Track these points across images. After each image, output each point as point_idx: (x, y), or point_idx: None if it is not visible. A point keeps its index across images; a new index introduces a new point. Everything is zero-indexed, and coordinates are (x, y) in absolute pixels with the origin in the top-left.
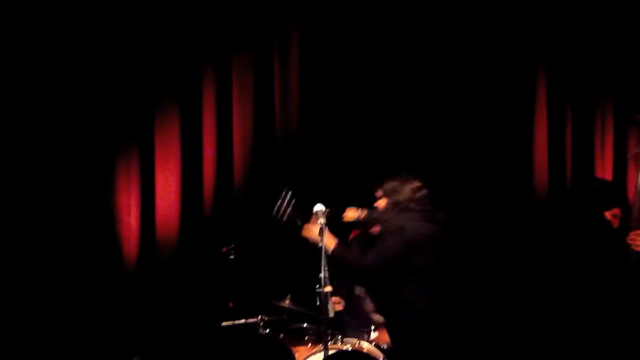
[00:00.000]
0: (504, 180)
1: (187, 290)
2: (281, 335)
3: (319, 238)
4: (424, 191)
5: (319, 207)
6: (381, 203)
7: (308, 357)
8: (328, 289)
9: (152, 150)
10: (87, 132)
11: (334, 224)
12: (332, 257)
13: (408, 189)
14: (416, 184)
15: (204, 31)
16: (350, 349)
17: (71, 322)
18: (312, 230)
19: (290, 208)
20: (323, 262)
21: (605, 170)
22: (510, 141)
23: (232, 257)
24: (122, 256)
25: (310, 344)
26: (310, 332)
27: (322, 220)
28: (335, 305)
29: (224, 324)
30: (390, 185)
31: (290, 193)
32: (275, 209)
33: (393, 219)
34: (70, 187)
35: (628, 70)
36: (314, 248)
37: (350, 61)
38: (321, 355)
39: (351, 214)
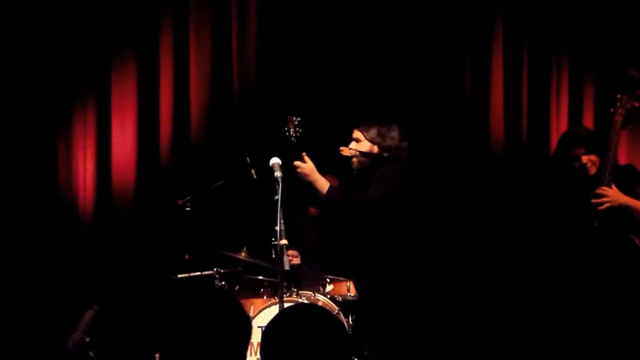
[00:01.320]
0: (461, 130)
1: (143, 242)
2: (236, 288)
3: (316, 177)
4: (407, 140)
5: (275, 160)
6: (361, 147)
7: (263, 309)
8: (284, 241)
9: (109, 101)
10: (42, 81)
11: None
12: (327, 199)
13: (396, 134)
14: (399, 131)
15: None
16: (305, 301)
17: (29, 274)
18: (309, 169)
19: (299, 130)
20: (279, 214)
21: (560, 124)
22: (468, 90)
23: (187, 209)
24: (78, 207)
25: (265, 297)
26: (266, 284)
27: (278, 174)
28: (292, 258)
29: (179, 276)
30: (375, 129)
31: (299, 119)
32: (286, 131)
33: (388, 166)
34: (26, 137)
35: (584, 23)
36: (313, 193)
37: (309, 12)
38: (276, 308)
39: (347, 152)
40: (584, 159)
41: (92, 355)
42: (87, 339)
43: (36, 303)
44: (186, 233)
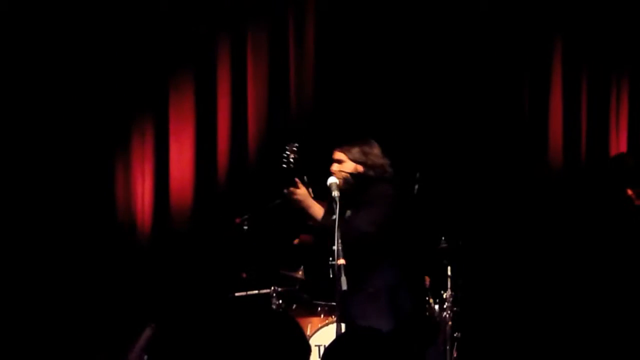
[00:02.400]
0: (520, 152)
1: (200, 261)
2: (294, 307)
3: (310, 203)
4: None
5: (332, 180)
6: (346, 168)
7: (320, 328)
8: (341, 261)
9: (167, 120)
10: (101, 101)
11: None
12: (322, 225)
13: (378, 151)
14: (378, 147)
15: (221, 1)
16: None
17: (88, 293)
18: (303, 194)
19: (296, 157)
20: (337, 234)
21: (619, 142)
22: (527, 113)
23: (245, 227)
24: (136, 226)
25: (322, 316)
26: (323, 304)
27: (335, 193)
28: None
29: (237, 294)
30: (357, 147)
31: (297, 145)
32: (284, 157)
33: (375, 185)
34: (85, 157)
35: None
36: (300, 213)
37: (366, 36)
38: (333, 327)
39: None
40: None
41: None
42: (145, 358)
43: (95, 322)
44: (244, 252)
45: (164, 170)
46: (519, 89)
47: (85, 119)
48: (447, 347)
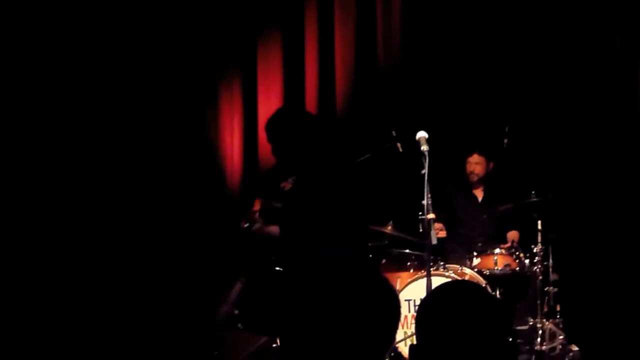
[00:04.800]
0: (611, 104)
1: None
2: (383, 261)
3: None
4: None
5: (421, 134)
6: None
7: (410, 283)
8: (431, 215)
9: (255, 77)
10: (190, 59)
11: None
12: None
13: (297, 122)
14: (307, 116)
15: None
16: (452, 275)
17: (179, 248)
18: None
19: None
20: (426, 188)
21: None
22: (618, 65)
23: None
24: (226, 182)
25: (412, 270)
26: (412, 258)
27: (424, 147)
28: (438, 232)
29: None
30: (272, 126)
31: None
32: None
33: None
34: (175, 113)
35: None
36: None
37: None
38: (423, 281)
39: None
40: None
41: (241, 327)
42: (236, 312)
43: (187, 277)
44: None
45: (252, 125)
46: (609, 39)
47: (175, 77)
48: (538, 301)
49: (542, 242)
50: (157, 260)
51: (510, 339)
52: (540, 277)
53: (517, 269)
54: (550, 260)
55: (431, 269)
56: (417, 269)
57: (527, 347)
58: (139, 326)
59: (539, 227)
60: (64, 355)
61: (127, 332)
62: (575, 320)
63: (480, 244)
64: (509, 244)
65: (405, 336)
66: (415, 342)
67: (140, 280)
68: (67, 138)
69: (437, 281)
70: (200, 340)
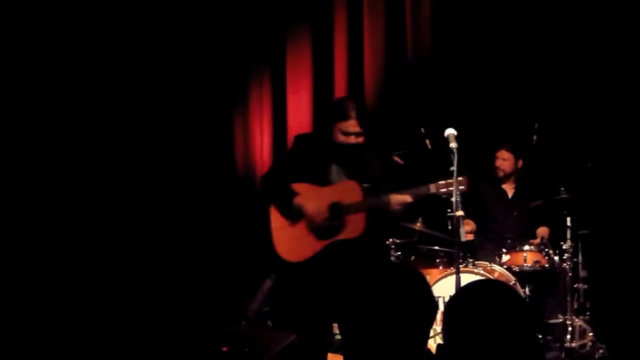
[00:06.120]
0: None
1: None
2: (412, 258)
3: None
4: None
5: (450, 131)
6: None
7: (439, 279)
8: (460, 212)
9: (284, 74)
10: (220, 56)
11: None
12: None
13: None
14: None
15: None
16: (482, 272)
17: (209, 245)
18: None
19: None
20: (455, 186)
21: None
22: None
23: None
24: (256, 180)
25: (441, 267)
26: (442, 255)
27: (453, 145)
28: (467, 233)
29: None
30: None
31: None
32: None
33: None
34: (205, 111)
35: None
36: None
37: None
38: (453, 278)
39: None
40: None
41: (271, 324)
42: (266, 308)
43: (217, 274)
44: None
45: (282, 122)
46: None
47: (205, 74)
48: (568, 298)
49: (571, 239)
50: (187, 260)
51: (538, 338)
52: (570, 274)
53: (547, 265)
54: (580, 257)
55: (460, 266)
56: (447, 265)
57: (557, 344)
58: (166, 324)
59: (569, 223)
60: (68, 356)
61: (151, 330)
62: (603, 319)
63: (509, 241)
64: (538, 241)
65: (434, 333)
66: (442, 341)
67: (169, 278)
68: (91, 138)
69: (466, 278)
70: (227, 338)
